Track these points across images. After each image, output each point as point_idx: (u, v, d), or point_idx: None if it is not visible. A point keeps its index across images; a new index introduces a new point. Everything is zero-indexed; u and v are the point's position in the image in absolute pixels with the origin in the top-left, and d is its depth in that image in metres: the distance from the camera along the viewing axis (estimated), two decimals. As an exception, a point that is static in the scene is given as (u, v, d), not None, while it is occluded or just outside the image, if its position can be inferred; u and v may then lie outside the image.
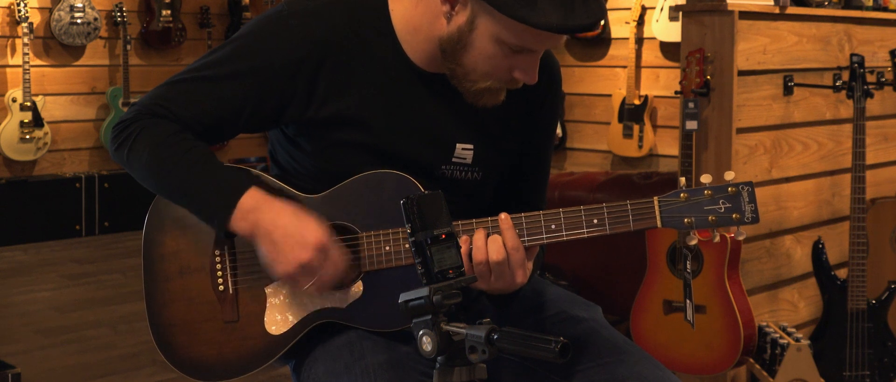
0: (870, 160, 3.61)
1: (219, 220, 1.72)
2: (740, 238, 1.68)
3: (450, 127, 1.81)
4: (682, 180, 1.73)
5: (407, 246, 1.71)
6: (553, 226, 1.69)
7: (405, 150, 1.79)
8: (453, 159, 1.82)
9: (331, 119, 1.77)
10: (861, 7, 3.77)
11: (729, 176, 1.68)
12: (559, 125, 6.88)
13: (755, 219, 1.67)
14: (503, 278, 1.67)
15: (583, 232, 1.68)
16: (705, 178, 1.69)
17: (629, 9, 6.45)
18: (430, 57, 1.77)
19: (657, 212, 1.67)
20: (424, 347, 1.39)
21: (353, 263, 1.74)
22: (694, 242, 1.71)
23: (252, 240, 1.72)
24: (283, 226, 1.68)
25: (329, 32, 1.76)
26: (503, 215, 1.67)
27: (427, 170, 1.80)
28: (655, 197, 1.67)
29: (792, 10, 3.42)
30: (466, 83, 1.73)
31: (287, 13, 1.77)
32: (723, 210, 1.66)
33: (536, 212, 1.71)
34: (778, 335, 3.31)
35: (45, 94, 6.46)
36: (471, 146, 1.82)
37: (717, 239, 1.71)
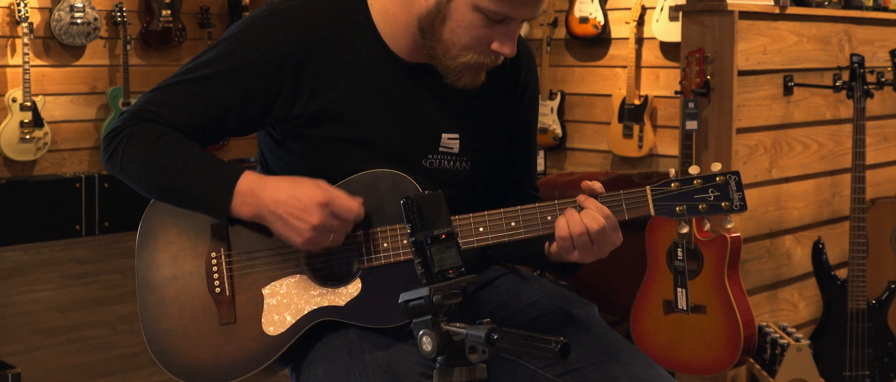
0: (870, 160, 3.61)
1: (220, 208, 1.73)
2: (729, 225, 1.72)
3: (435, 116, 1.82)
4: (672, 171, 1.77)
5: (404, 242, 1.72)
6: (549, 218, 1.72)
7: (390, 142, 1.80)
8: (440, 149, 1.83)
9: (316, 115, 1.78)
10: (861, 7, 3.77)
11: (715, 167, 1.73)
12: (559, 125, 6.88)
13: (743, 207, 1.72)
14: (604, 245, 1.70)
15: None
16: (694, 169, 1.74)
17: (629, 9, 6.45)
18: (411, 46, 1.78)
19: (650, 201, 1.72)
20: (424, 347, 1.39)
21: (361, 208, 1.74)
22: (686, 230, 1.75)
23: (260, 222, 1.73)
24: (284, 200, 1.70)
25: (311, 29, 1.78)
26: (582, 197, 1.70)
27: (413, 161, 1.81)
28: (647, 187, 1.72)
29: (792, 10, 3.42)
30: (447, 60, 1.74)
31: (269, 12, 1.80)
32: (712, 198, 1.72)
33: (533, 205, 1.72)
34: (778, 335, 3.31)
35: (45, 94, 6.46)
36: (457, 135, 1.84)
37: (707, 226, 1.77)
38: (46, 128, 6.36)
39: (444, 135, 1.83)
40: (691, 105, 3.18)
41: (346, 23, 1.80)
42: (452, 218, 1.62)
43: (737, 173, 1.73)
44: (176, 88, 1.78)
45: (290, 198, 1.70)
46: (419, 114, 1.82)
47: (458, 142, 1.84)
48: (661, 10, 6.20)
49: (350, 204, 1.71)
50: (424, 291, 1.39)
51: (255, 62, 1.76)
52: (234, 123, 1.80)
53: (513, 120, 1.92)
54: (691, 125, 3.17)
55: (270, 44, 1.77)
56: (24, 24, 6.16)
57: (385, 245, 1.74)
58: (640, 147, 6.39)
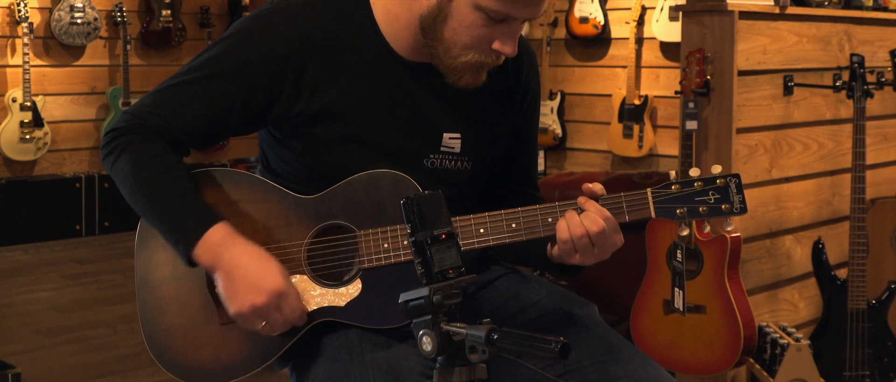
0: (870, 160, 3.61)
1: (183, 248, 1.72)
2: (729, 227, 1.72)
3: (436, 116, 1.82)
4: (673, 173, 1.77)
5: (405, 242, 1.72)
6: (550, 220, 1.72)
7: (391, 142, 1.80)
8: (441, 149, 1.83)
9: (317, 114, 1.78)
10: (861, 7, 3.77)
11: (715, 169, 1.74)
12: (559, 125, 6.88)
13: (743, 210, 1.73)
14: (604, 247, 1.70)
15: None
16: (694, 172, 1.75)
17: (629, 9, 6.45)
18: (413, 45, 1.78)
19: (650, 203, 1.72)
20: (424, 347, 1.39)
21: (305, 312, 1.74)
22: (686, 232, 1.76)
23: (212, 273, 1.73)
24: (244, 266, 1.69)
25: (313, 28, 1.78)
26: (582, 198, 1.71)
27: (414, 160, 1.81)
28: (648, 189, 1.73)
29: (792, 10, 3.42)
30: (448, 59, 1.74)
31: (270, 11, 1.80)
32: (713, 201, 1.72)
33: (534, 207, 1.72)
34: (778, 335, 3.31)
35: (45, 94, 6.46)
36: (458, 135, 1.83)
37: (707, 228, 1.77)
38: (46, 128, 6.36)
39: (445, 135, 1.83)
40: (691, 105, 3.18)
41: (348, 22, 1.80)
42: (453, 219, 1.62)
43: (737, 176, 1.74)
44: (178, 89, 1.78)
45: (252, 267, 1.69)
46: (420, 113, 1.82)
47: (459, 141, 1.84)
48: (661, 10, 6.20)
49: (298, 309, 1.71)
50: (424, 291, 1.39)
51: (256, 61, 1.76)
52: (235, 123, 1.80)
53: (514, 120, 1.92)
54: (691, 125, 3.17)
55: (272, 42, 1.77)
56: (24, 24, 6.16)
57: (385, 245, 1.74)
58: (640, 147, 6.39)
